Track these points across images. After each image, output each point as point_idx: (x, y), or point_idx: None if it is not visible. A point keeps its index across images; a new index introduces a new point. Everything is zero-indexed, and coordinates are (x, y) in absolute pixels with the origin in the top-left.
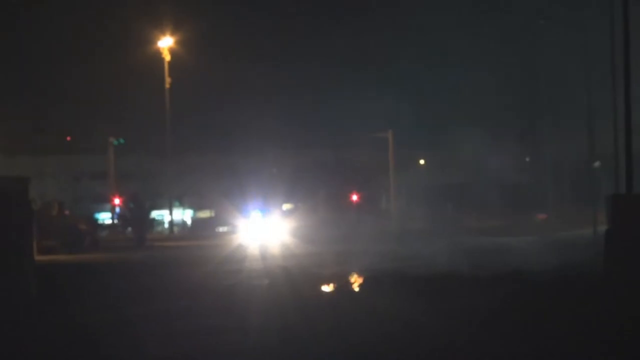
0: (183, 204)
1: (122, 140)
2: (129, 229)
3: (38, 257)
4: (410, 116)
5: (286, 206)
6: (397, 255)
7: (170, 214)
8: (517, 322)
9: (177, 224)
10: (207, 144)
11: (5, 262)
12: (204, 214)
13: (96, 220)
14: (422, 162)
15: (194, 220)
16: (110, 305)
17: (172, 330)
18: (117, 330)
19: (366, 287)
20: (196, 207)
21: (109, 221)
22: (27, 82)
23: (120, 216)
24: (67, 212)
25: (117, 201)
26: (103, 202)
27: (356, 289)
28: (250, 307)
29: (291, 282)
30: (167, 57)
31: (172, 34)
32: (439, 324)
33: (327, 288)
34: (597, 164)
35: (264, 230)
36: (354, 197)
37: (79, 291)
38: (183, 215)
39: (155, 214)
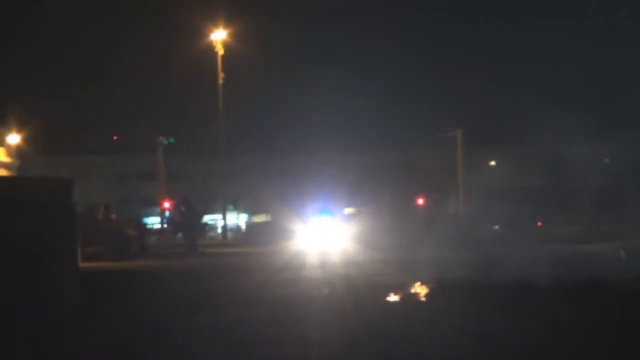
0: (237, 208)
1: (172, 140)
2: (180, 234)
3: (82, 264)
4: (481, 114)
5: (348, 210)
6: (468, 263)
7: (224, 218)
8: (601, 338)
9: (231, 229)
10: (263, 143)
11: (48, 269)
12: (260, 218)
13: (144, 224)
14: (493, 163)
15: (249, 225)
16: (158, 317)
17: (224, 342)
18: (159, 345)
19: (435, 298)
20: (251, 211)
21: (158, 226)
22: (73, 78)
23: (170, 220)
24: (113, 216)
25: (166, 204)
26: (152, 206)
27: (424, 299)
28: (308, 318)
29: (353, 292)
30: (221, 51)
31: (226, 26)
32: (524, 341)
33: (392, 299)
34: None
35: (324, 236)
36: (421, 201)
37: (124, 301)
38: (237, 219)
39: (207, 218)
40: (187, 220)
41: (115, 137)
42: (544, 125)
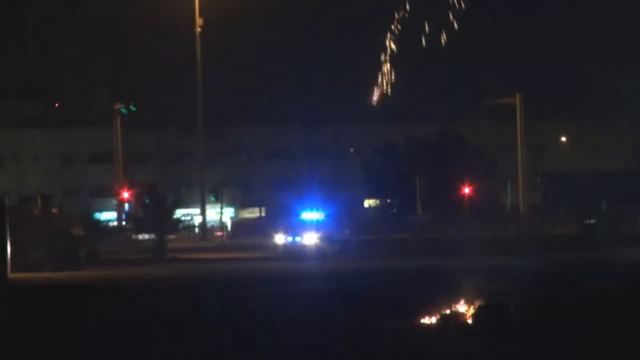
0: (220, 200)
1: (133, 108)
2: (144, 234)
3: (13, 275)
4: (544, 78)
5: (369, 202)
6: (531, 272)
7: (202, 213)
8: None
9: (212, 227)
10: (255, 114)
11: None
12: (250, 213)
13: (96, 221)
14: (563, 139)
15: (236, 222)
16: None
17: None
18: None
19: (493, 321)
20: (239, 204)
21: (114, 223)
22: (2, 26)
23: (130, 216)
24: (54, 211)
25: (126, 195)
26: (106, 196)
27: (476, 325)
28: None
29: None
30: None
31: None
32: None
33: (430, 321)
34: None
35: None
36: (466, 190)
37: (63, 329)
38: (220, 215)
39: (180, 213)
40: (153, 216)
41: (57, 104)
42: (629, 95)
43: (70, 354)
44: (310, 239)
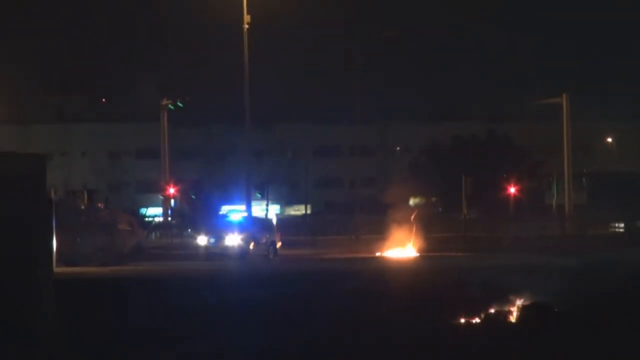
0: (266, 197)
1: (180, 104)
2: (189, 230)
3: (58, 270)
4: (590, 77)
5: (414, 200)
6: (575, 272)
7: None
8: None
9: None
10: (301, 111)
11: (10, 277)
12: (296, 210)
13: (142, 216)
14: (609, 140)
15: (282, 219)
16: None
17: None
18: None
19: (537, 322)
20: (285, 201)
21: (160, 218)
22: (51, 23)
23: (176, 212)
24: (100, 205)
25: (172, 190)
26: (152, 192)
27: (520, 325)
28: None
29: (421, 314)
30: None
31: None
32: None
33: (473, 321)
34: None
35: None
36: (512, 190)
37: (109, 324)
38: (265, 212)
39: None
40: (198, 212)
41: (104, 100)
42: None
43: (113, 348)
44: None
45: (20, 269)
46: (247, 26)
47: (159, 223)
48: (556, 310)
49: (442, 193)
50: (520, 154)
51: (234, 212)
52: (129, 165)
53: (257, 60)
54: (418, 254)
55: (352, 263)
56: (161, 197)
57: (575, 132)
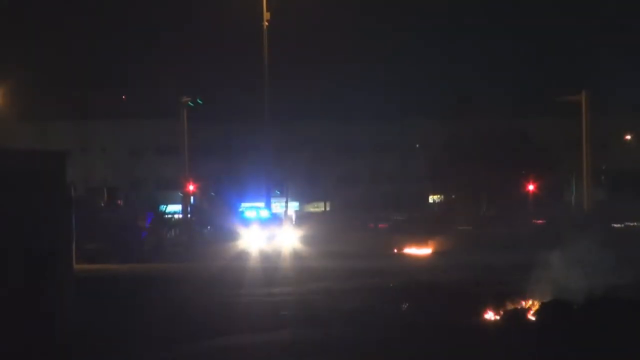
0: (286, 194)
1: (200, 101)
2: (208, 227)
3: (79, 266)
4: (611, 74)
5: (434, 197)
6: (594, 268)
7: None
8: None
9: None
10: (320, 109)
11: (30, 273)
12: (315, 207)
13: (162, 213)
14: (628, 137)
15: (301, 216)
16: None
17: None
18: None
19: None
20: (304, 199)
21: (180, 215)
22: (70, 19)
23: (195, 209)
24: (120, 203)
25: (191, 187)
26: (172, 189)
27: (539, 322)
28: None
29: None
30: None
31: None
32: None
33: (494, 317)
34: None
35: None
36: (531, 187)
37: (127, 321)
38: (284, 209)
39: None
40: (217, 209)
41: (124, 97)
42: None
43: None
44: None
45: (41, 265)
46: (267, 23)
47: (179, 220)
48: (574, 307)
49: (460, 189)
50: (539, 150)
51: (252, 209)
52: (149, 162)
53: (277, 58)
54: (437, 251)
55: (372, 260)
56: (181, 195)
57: (596, 129)
